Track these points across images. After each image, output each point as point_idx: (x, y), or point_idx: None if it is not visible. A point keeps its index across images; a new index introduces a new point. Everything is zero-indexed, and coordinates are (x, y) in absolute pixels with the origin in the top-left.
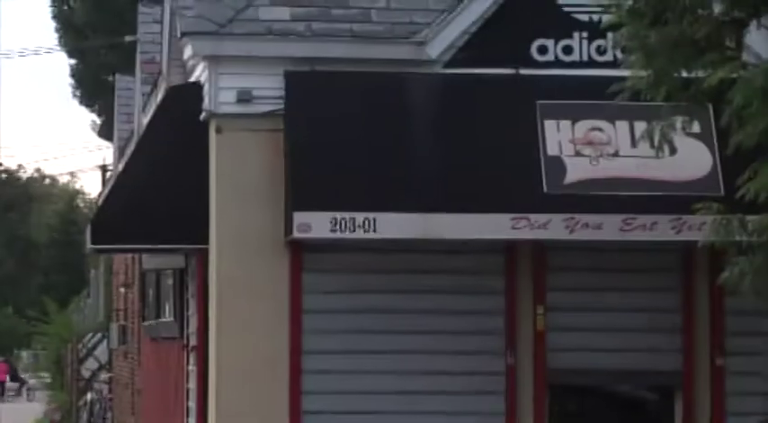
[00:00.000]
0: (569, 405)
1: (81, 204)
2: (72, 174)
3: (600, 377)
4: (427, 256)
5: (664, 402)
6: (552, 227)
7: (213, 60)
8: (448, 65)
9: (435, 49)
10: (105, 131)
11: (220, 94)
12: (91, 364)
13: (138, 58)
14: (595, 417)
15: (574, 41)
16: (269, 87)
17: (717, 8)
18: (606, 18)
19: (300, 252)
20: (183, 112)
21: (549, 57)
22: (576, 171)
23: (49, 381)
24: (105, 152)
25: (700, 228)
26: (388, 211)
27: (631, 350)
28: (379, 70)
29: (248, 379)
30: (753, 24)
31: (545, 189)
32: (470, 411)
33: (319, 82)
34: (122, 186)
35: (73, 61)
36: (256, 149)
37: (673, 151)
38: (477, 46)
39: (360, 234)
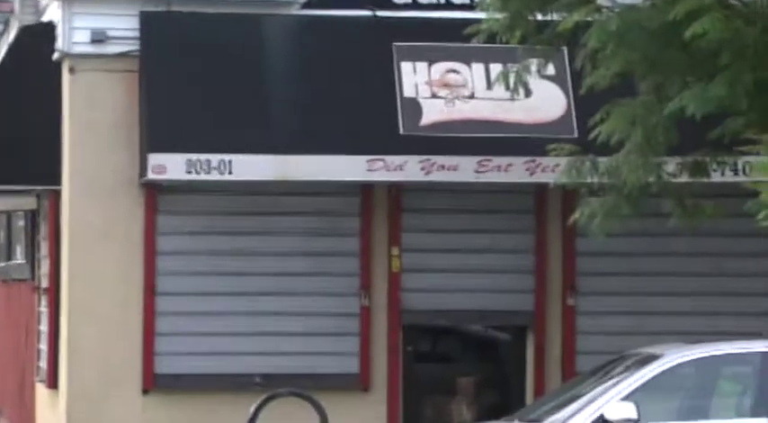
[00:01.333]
0: (424, 345)
1: None
2: None
3: (454, 317)
4: (283, 197)
5: (516, 341)
6: (408, 168)
7: (67, 0)
8: (306, 6)
9: None
10: None
11: (74, 34)
12: None
13: None
14: (449, 356)
15: None
16: (124, 28)
17: None
18: None
19: (155, 194)
20: (35, 53)
21: None
22: (432, 113)
23: None
24: None
25: (554, 170)
26: (244, 152)
27: (485, 291)
28: (236, 11)
29: (101, 321)
30: None
31: (401, 131)
32: (325, 352)
33: (175, 23)
34: None
35: None
36: (110, 90)
37: (528, 93)
38: None
39: (215, 176)
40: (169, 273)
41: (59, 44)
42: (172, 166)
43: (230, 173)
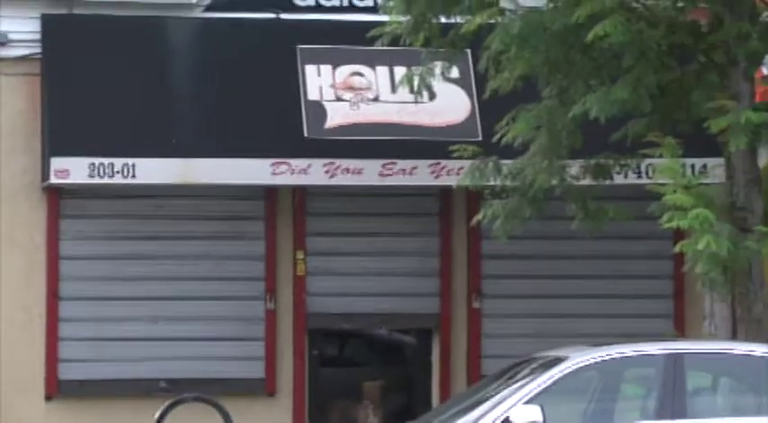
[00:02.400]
0: (329, 349)
1: None
2: None
3: (360, 321)
4: (187, 201)
5: (422, 345)
6: (312, 172)
7: None
8: (209, 8)
9: None
10: None
11: None
12: None
13: None
14: (355, 359)
15: None
16: (25, 30)
17: None
18: None
19: (58, 198)
20: None
21: (310, 1)
22: (337, 116)
23: None
24: None
25: (458, 172)
26: (148, 156)
27: (391, 294)
28: (138, 14)
29: (4, 326)
30: None
31: (305, 134)
32: (230, 357)
33: (78, 25)
34: None
35: None
36: (11, 94)
37: (432, 96)
38: None
39: (119, 179)
40: (72, 278)
41: None
42: (75, 169)
43: (134, 176)
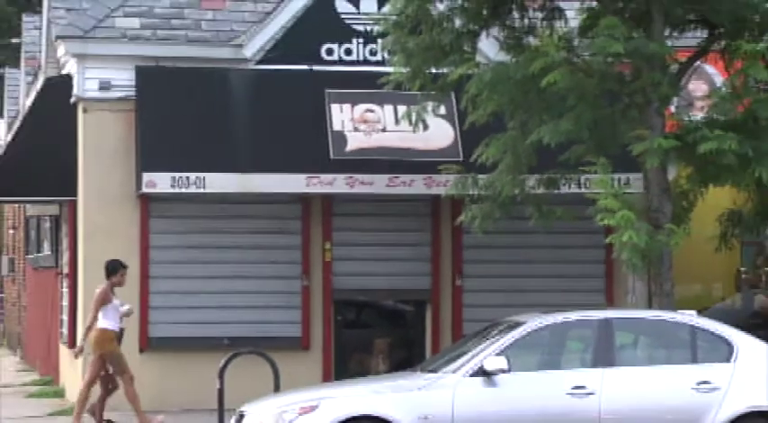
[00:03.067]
0: (349, 315)
1: None
2: None
3: (372, 294)
4: (244, 205)
5: (418, 312)
6: (336, 184)
7: (80, 58)
8: (259, 63)
9: (250, 51)
10: None
11: (86, 83)
12: None
13: (23, 55)
14: (369, 323)
15: (353, 45)
16: (124, 78)
17: (457, 22)
18: (377, 28)
19: (148, 203)
20: (57, 97)
21: (335, 57)
22: (355, 142)
23: None
24: None
25: (445, 184)
26: (215, 171)
27: (395, 275)
28: (207, 66)
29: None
30: (484, 34)
31: (331, 156)
32: (275, 321)
33: (162, 75)
34: (11, 154)
35: None
36: (114, 125)
37: (425, 127)
38: (281, 48)
39: (193, 189)
40: (159, 262)
41: (75, 91)
42: (160, 181)
43: (204, 187)
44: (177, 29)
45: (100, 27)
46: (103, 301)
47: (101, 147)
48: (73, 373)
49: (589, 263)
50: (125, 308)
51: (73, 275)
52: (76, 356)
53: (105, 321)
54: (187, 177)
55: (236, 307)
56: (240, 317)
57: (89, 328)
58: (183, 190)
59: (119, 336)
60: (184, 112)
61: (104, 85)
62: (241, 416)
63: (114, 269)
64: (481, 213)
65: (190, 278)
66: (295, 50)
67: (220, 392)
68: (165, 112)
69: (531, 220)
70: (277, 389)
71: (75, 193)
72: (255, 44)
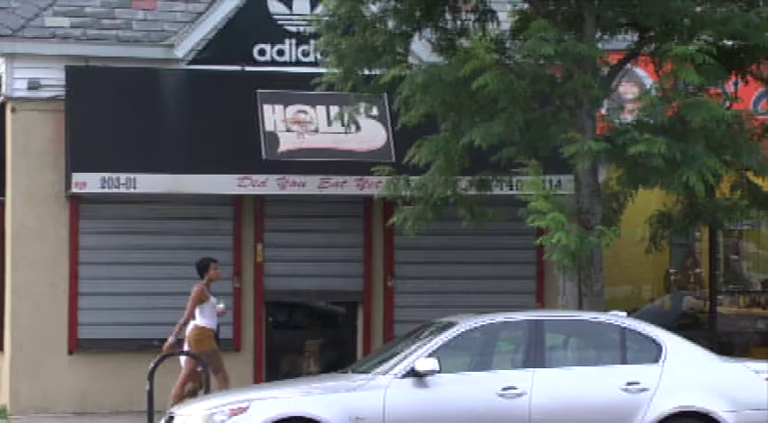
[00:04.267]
0: (281, 316)
1: None
2: None
3: (303, 295)
4: (174, 206)
5: (350, 314)
6: (269, 184)
7: (9, 57)
8: (191, 63)
9: (181, 51)
10: None
11: (15, 83)
12: None
13: None
14: (300, 325)
15: (285, 46)
16: (53, 78)
17: (390, 23)
18: (309, 29)
19: (77, 203)
20: None
21: (267, 57)
22: (287, 143)
23: None
24: None
25: (377, 185)
26: (145, 172)
27: (327, 276)
28: (138, 66)
29: (37, 302)
30: (416, 36)
31: (263, 156)
32: None
33: (92, 74)
34: None
35: None
36: (43, 125)
37: (358, 129)
38: (213, 49)
39: (123, 189)
40: (88, 262)
41: (4, 90)
42: (90, 182)
43: (135, 187)
44: (108, 28)
45: (29, 26)
46: (200, 299)
47: (29, 147)
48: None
49: (520, 264)
50: (221, 306)
51: (1, 276)
52: (168, 353)
53: (202, 319)
54: (117, 178)
55: (167, 308)
56: (170, 318)
57: (182, 325)
58: (114, 190)
59: (215, 334)
60: (115, 113)
61: (33, 85)
62: (171, 418)
63: (206, 266)
64: (413, 215)
65: (120, 279)
66: (227, 51)
67: (150, 394)
68: (96, 113)
69: (463, 222)
70: (207, 390)
71: (3, 194)
72: (187, 44)
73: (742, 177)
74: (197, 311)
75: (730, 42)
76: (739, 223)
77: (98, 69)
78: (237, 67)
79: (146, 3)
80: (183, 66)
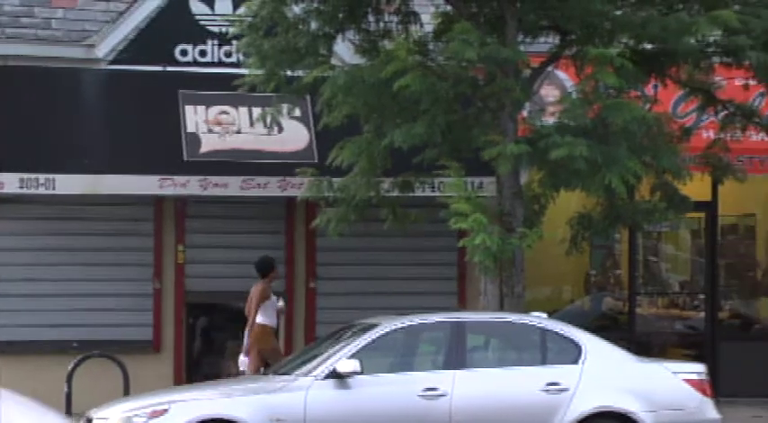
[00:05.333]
0: (202, 317)
1: None
2: None
3: (225, 296)
4: (95, 207)
5: None
6: (190, 186)
7: None
8: (112, 62)
9: (102, 51)
10: None
11: None
12: None
13: None
14: (221, 326)
15: (207, 47)
16: None
17: (313, 25)
18: (232, 30)
19: None
20: None
21: (189, 58)
22: (209, 144)
23: None
24: None
25: (300, 187)
26: (65, 172)
27: (248, 277)
28: (58, 66)
29: None
30: (340, 37)
31: (185, 157)
32: (126, 323)
33: (11, 74)
34: None
35: None
36: None
37: (280, 130)
38: (134, 49)
39: (42, 190)
40: (7, 264)
41: None
42: (8, 182)
43: (54, 188)
44: (27, 27)
45: None
46: (263, 298)
47: None
48: None
49: (442, 265)
50: (281, 304)
51: None
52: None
53: (264, 317)
54: (36, 178)
55: (86, 310)
56: (90, 320)
57: (252, 326)
58: (33, 191)
59: (275, 331)
60: (34, 113)
61: None
62: (89, 420)
63: (270, 266)
64: (336, 216)
65: (39, 281)
66: (149, 51)
67: (68, 397)
68: (14, 112)
69: (386, 224)
70: (127, 393)
71: None
72: (108, 44)
73: (661, 180)
74: (254, 309)
75: (650, 46)
76: (658, 225)
77: (17, 68)
78: (159, 68)
79: (66, 2)
80: (104, 66)
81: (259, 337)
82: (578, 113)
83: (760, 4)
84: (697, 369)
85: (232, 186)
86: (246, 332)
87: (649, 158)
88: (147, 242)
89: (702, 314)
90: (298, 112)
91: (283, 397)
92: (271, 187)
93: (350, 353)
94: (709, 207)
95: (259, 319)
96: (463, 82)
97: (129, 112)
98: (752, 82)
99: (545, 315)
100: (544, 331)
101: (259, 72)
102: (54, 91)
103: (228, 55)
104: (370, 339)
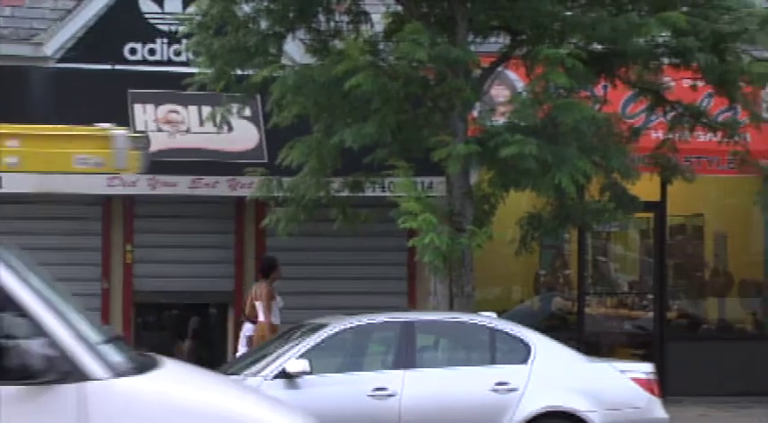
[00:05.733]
0: (150, 317)
1: None
2: None
3: (174, 296)
4: (43, 206)
5: (220, 315)
6: (138, 185)
7: None
8: (60, 61)
9: (50, 49)
10: None
11: None
12: None
13: None
14: (170, 326)
15: (157, 45)
16: None
17: (263, 24)
18: (181, 29)
19: None
20: None
21: (138, 56)
22: (158, 143)
23: None
24: None
25: (250, 186)
26: (11, 171)
27: (197, 276)
28: (5, 64)
29: None
30: (290, 37)
31: None
32: None
33: None
34: None
35: None
36: None
37: (230, 129)
38: (83, 47)
39: None
40: None
41: None
42: None
43: (0, 187)
44: None
45: None
46: (272, 297)
47: None
48: None
49: (392, 265)
50: (281, 304)
51: None
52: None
53: (273, 317)
54: None
55: None
56: None
57: (266, 325)
58: None
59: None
60: None
61: None
62: None
63: (274, 266)
64: (285, 216)
65: None
66: (97, 49)
67: None
68: None
69: (336, 223)
70: None
71: None
72: (56, 42)
73: (610, 180)
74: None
75: (600, 46)
76: (607, 225)
77: None
78: (108, 66)
79: None
80: (52, 64)
81: (267, 336)
82: (528, 113)
83: (708, 6)
84: (645, 368)
85: (181, 186)
86: (244, 331)
87: (599, 158)
88: (95, 242)
89: (651, 314)
90: (248, 112)
91: None
92: (220, 187)
93: (299, 353)
94: (658, 207)
95: (269, 318)
96: (414, 82)
97: (78, 110)
98: (700, 83)
99: (495, 315)
100: (493, 331)
101: (209, 71)
102: (1, 89)
103: (178, 54)
104: (319, 339)
